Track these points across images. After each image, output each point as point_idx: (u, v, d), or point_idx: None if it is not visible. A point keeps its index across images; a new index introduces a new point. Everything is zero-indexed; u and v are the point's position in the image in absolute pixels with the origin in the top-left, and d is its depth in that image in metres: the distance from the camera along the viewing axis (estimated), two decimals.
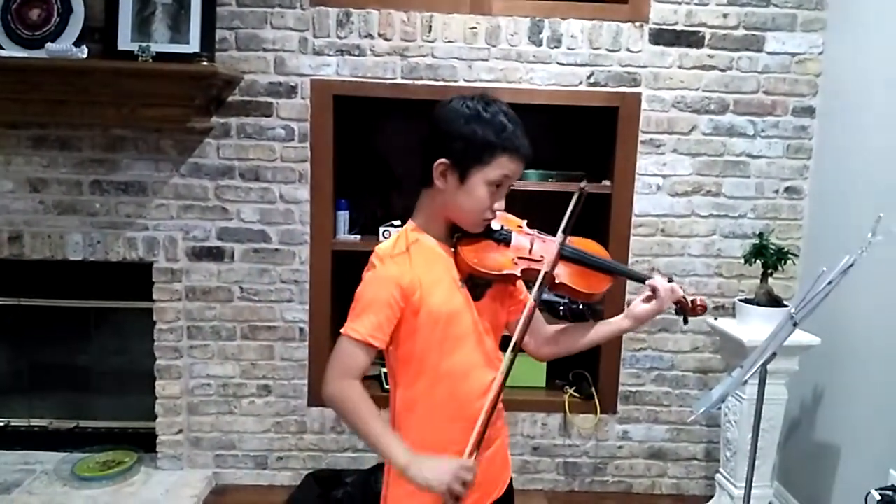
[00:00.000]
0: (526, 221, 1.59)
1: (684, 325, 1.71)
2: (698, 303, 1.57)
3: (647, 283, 1.55)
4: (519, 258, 1.49)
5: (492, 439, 1.51)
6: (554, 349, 1.65)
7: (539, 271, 1.47)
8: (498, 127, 1.39)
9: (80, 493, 2.84)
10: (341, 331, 1.39)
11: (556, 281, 1.49)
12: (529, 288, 1.52)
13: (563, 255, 1.51)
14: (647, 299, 1.54)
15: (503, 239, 1.50)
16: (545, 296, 1.57)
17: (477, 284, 1.47)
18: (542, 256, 1.49)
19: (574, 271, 1.53)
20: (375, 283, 1.41)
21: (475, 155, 1.38)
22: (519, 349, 1.45)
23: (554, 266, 1.47)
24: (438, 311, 1.42)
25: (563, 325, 1.65)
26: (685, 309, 1.58)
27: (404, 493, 1.44)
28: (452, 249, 1.47)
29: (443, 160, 1.40)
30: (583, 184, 1.51)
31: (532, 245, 1.52)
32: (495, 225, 1.50)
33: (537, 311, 1.59)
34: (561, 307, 3.05)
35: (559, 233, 1.50)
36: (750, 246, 2.72)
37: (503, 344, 1.51)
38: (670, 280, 1.56)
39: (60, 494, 2.83)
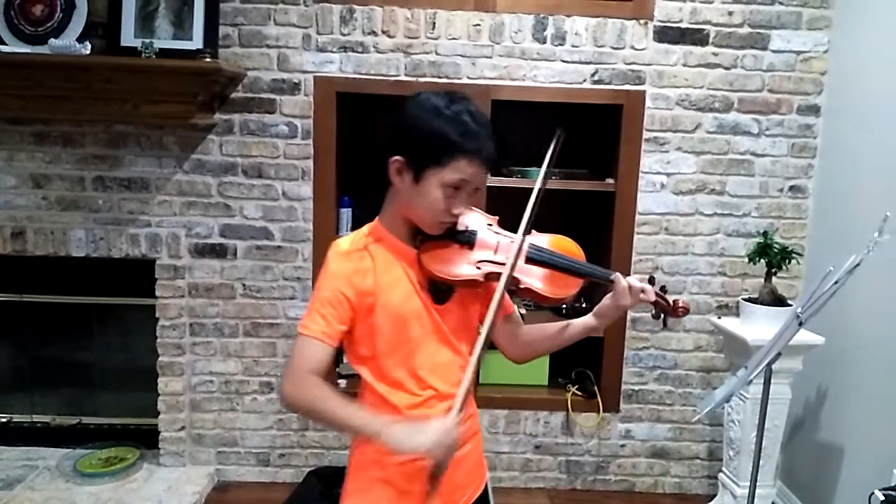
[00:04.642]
0: (497, 219, 1.51)
1: (663, 327, 1.64)
2: (680, 304, 1.49)
3: (611, 278, 1.45)
4: (482, 262, 1.40)
5: (461, 441, 1.45)
6: (528, 351, 1.58)
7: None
8: (459, 127, 1.29)
9: (82, 490, 2.84)
10: (298, 328, 1.35)
11: (521, 286, 1.41)
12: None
13: (528, 258, 1.42)
14: (611, 297, 1.46)
15: (467, 241, 1.42)
16: None
17: (439, 289, 1.41)
18: (507, 258, 1.39)
19: (540, 275, 1.44)
20: (328, 279, 1.35)
21: (431, 155, 1.30)
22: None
23: (513, 268, 1.37)
24: (394, 312, 1.36)
25: (537, 326, 1.58)
26: (665, 311, 1.50)
27: (361, 485, 1.46)
28: (415, 251, 1.40)
29: (398, 157, 1.34)
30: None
31: (498, 247, 1.43)
32: (460, 225, 1.42)
33: (515, 313, 1.56)
34: (564, 308, 3.04)
35: (518, 234, 1.41)
36: (754, 245, 2.71)
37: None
38: (651, 281, 1.49)
39: (63, 491, 2.83)
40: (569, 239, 1.53)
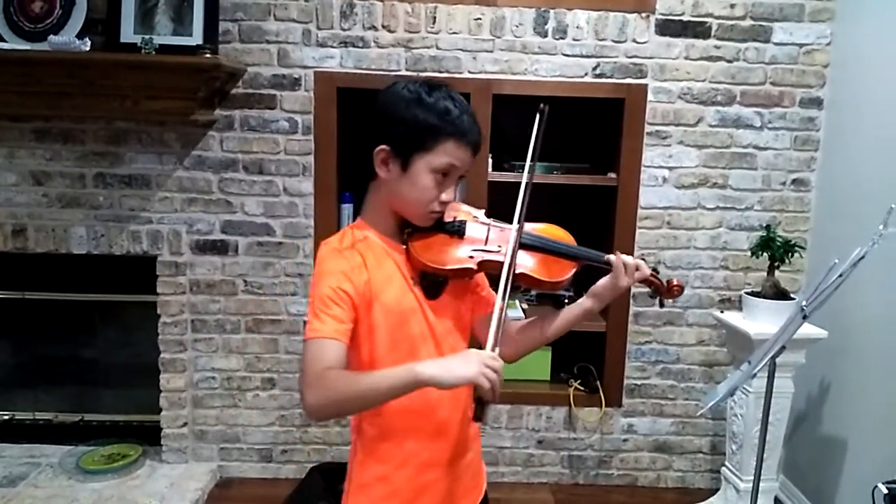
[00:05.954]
0: (484, 211, 1.49)
1: (660, 307, 1.61)
2: (674, 283, 1.48)
3: (607, 259, 1.44)
4: (474, 250, 1.39)
5: (464, 450, 1.44)
6: (521, 345, 1.52)
7: (497, 262, 1.36)
8: (441, 111, 1.29)
9: (85, 486, 2.84)
10: (305, 337, 1.27)
11: (517, 271, 1.38)
12: (492, 280, 1.41)
13: (523, 243, 1.40)
14: (610, 277, 1.44)
15: (456, 231, 1.40)
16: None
17: (432, 282, 1.38)
18: (499, 246, 1.39)
19: (535, 260, 1.43)
20: (326, 278, 1.29)
21: (417, 140, 1.29)
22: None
23: (514, 256, 1.36)
24: (392, 309, 1.33)
25: (526, 320, 1.54)
26: (660, 290, 1.49)
27: (370, 477, 1.42)
28: (403, 246, 1.38)
29: (383, 147, 1.31)
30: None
31: (488, 235, 1.42)
32: (448, 217, 1.41)
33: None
34: (566, 300, 3.03)
35: (515, 220, 1.39)
36: (756, 238, 2.70)
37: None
38: (652, 268, 1.48)
39: (66, 487, 2.84)
40: (558, 227, 1.52)
